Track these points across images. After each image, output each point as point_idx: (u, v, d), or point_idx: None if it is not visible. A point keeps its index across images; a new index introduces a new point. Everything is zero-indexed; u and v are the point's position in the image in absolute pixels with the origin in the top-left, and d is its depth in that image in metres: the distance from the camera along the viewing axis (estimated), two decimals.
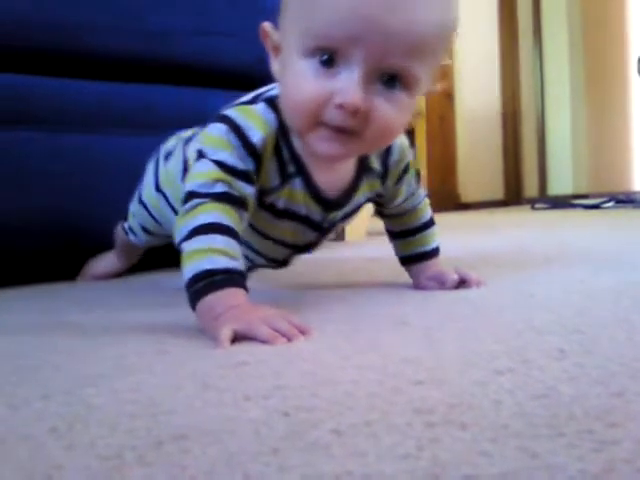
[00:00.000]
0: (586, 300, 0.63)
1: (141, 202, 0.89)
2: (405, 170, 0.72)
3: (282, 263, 0.77)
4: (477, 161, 3.54)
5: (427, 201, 0.79)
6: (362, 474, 0.26)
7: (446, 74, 3.29)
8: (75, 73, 1.08)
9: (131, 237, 0.95)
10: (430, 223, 0.79)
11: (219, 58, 1.21)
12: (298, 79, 0.56)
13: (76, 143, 1.05)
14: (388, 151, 0.70)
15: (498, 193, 3.66)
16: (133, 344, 0.54)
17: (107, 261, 1.05)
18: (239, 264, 0.57)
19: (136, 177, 1.10)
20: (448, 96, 3.41)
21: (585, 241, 1.33)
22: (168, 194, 0.82)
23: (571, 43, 3.54)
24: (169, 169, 0.81)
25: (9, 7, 1.01)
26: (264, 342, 0.50)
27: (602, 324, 0.52)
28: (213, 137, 0.62)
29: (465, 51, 3.46)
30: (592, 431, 0.29)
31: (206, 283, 0.55)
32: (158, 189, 0.84)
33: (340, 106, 0.54)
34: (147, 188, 0.87)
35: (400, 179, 0.72)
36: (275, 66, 0.62)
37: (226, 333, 0.50)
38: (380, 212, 0.79)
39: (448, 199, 3.34)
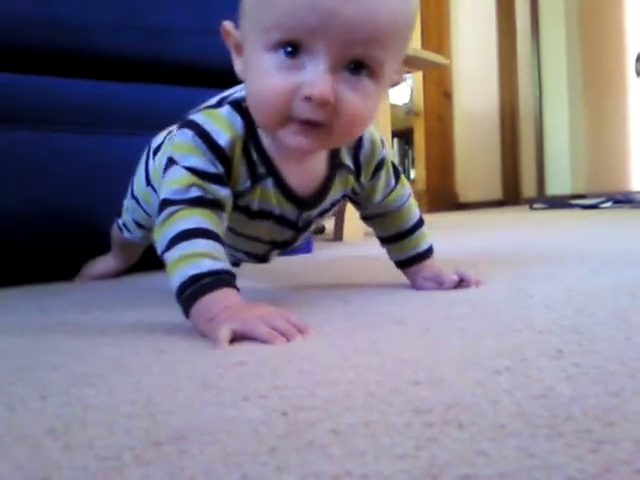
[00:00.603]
0: (585, 299, 0.63)
1: (133, 196, 0.89)
2: (379, 166, 0.71)
3: (262, 258, 0.77)
4: (475, 161, 3.54)
5: (414, 201, 0.78)
6: (360, 474, 0.26)
7: (444, 74, 3.30)
8: (74, 72, 1.08)
9: (126, 234, 0.95)
10: (419, 224, 0.77)
11: (219, 58, 1.21)
12: (263, 74, 0.55)
13: (74, 143, 1.05)
14: (358, 146, 0.69)
15: (496, 193, 3.67)
16: (131, 344, 0.53)
17: (105, 262, 1.05)
18: (225, 265, 0.57)
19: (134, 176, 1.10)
20: (447, 96, 3.41)
21: (583, 240, 1.33)
22: (156, 186, 0.82)
23: (569, 43, 3.54)
24: (157, 164, 0.81)
25: (7, 5, 1.01)
26: (263, 341, 0.50)
27: (601, 323, 0.52)
28: (181, 143, 0.62)
29: (463, 51, 3.47)
30: (590, 431, 0.29)
31: (195, 288, 0.54)
32: (149, 183, 0.84)
33: (308, 98, 0.53)
34: (138, 182, 0.87)
35: (375, 175, 0.71)
36: (238, 65, 0.61)
37: (224, 333, 0.50)
38: (364, 216, 0.78)
39: (446, 199, 3.34)
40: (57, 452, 0.30)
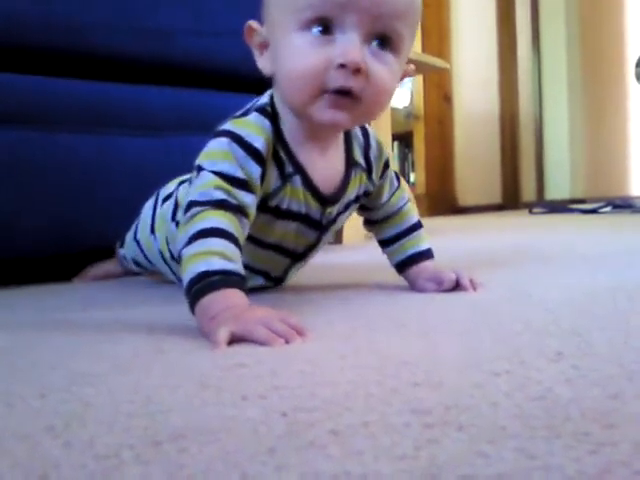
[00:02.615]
0: (584, 302, 0.63)
1: (136, 239, 0.89)
2: (387, 165, 0.77)
3: (279, 279, 0.78)
4: (475, 165, 3.54)
5: (412, 205, 0.82)
6: (359, 474, 0.26)
7: (445, 78, 3.30)
8: (71, 72, 1.08)
9: (124, 263, 0.97)
10: (418, 225, 0.81)
11: (218, 59, 1.22)
12: (296, 53, 0.60)
13: (72, 143, 1.05)
14: (367, 145, 0.74)
15: (496, 197, 3.67)
16: (131, 343, 0.53)
17: (109, 265, 1.05)
18: (237, 267, 0.57)
19: (133, 177, 1.10)
20: (447, 100, 3.42)
21: (583, 243, 1.33)
22: (158, 237, 0.83)
23: (569, 48, 3.55)
24: (163, 210, 0.83)
25: (5, 5, 1.01)
26: (261, 344, 0.50)
27: (600, 326, 0.52)
28: (213, 151, 0.64)
29: (464, 55, 3.47)
30: (589, 433, 0.29)
31: (203, 285, 0.55)
32: (152, 232, 0.85)
33: (342, 65, 0.58)
34: (143, 228, 0.88)
35: (383, 174, 0.76)
36: (262, 62, 0.66)
37: (223, 335, 0.50)
38: (368, 220, 0.82)
39: (446, 203, 3.34)
40: (56, 450, 0.30)
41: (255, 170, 0.64)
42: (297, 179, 0.68)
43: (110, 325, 0.63)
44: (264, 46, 0.65)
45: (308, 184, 0.68)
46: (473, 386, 0.37)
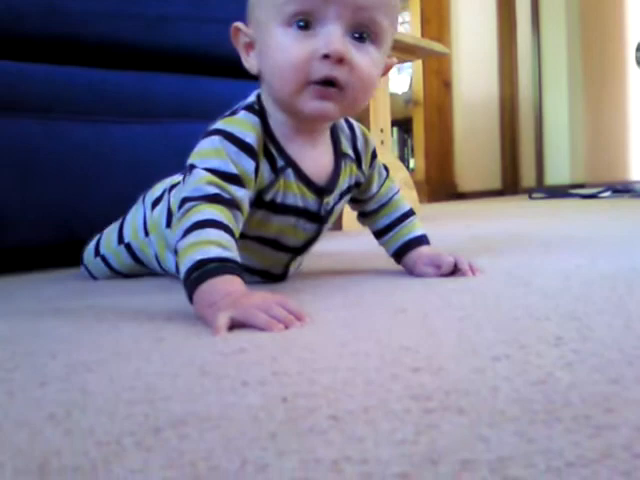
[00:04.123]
0: (584, 287, 0.63)
1: (124, 244, 0.87)
2: (374, 155, 0.78)
3: (280, 276, 0.78)
4: (474, 151, 3.53)
5: (402, 194, 0.83)
6: (360, 459, 0.26)
7: (444, 64, 3.28)
8: (72, 60, 1.07)
9: (93, 275, 0.93)
10: (410, 213, 0.81)
11: (216, 46, 1.21)
12: (280, 47, 0.62)
13: (70, 130, 1.05)
14: (354, 137, 0.76)
15: (495, 183, 3.67)
16: (131, 331, 0.54)
17: None
18: (233, 254, 0.57)
19: (132, 164, 1.10)
20: (446, 85, 3.40)
21: (582, 229, 1.33)
22: (152, 239, 0.83)
23: (569, 33, 3.53)
24: (155, 216, 0.82)
25: None
26: (261, 329, 0.50)
27: (599, 311, 0.52)
28: (205, 149, 0.65)
29: (463, 41, 3.45)
30: (589, 417, 0.29)
31: (200, 273, 0.55)
32: (147, 234, 0.84)
33: (326, 56, 0.60)
34: (133, 231, 0.86)
35: (372, 164, 0.78)
36: (248, 62, 0.68)
37: (222, 320, 0.50)
38: (361, 213, 0.82)
39: (445, 188, 3.34)
40: (57, 438, 0.30)
41: (249, 165, 0.65)
42: (289, 172, 0.69)
43: (110, 314, 0.63)
44: (250, 46, 0.67)
45: (301, 176, 0.69)
46: (473, 371, 0.37)
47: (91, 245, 0.93)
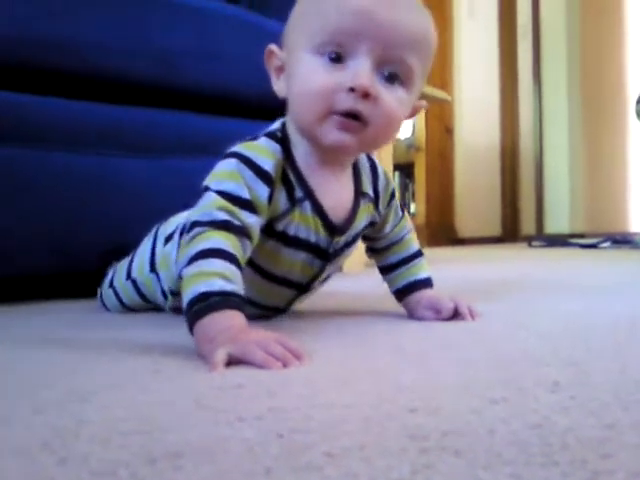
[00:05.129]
0: (581, 332, 0.63)
1: (130, 279, 0.87)
2: (392, 195, 0.78)
3: (282, 310, 0.78)
4: (475, 197, 3.56)
5: (414, 234, 0.83)
6: None
7: (446, 110, 3.34)
8: (75, 93, 1.09)
9: (104, 304, 0.93)
10: (418, 254, 0.82)
11: (222, 82, 1.23)
12: (308, 74, 0.62)
13: (71, 162, 1.05)
14: (375, 176, 0.76)
15: (495, 229, 3.68)
16: (128, 363, 0.53)
17: None
18: (237, 287, 0.57)
19: (131, 198, 1.11)
20: (448, 132, 3.45)
21: (582, 276, 1.34)
22: (162, 275, 0.82)
23: (570, 84, 3.60)
24: (166, 251, 0.81)
25: (16, 24, 1.02)
26: (259, 366, 0.50)
27: (597, 356, 0.52)
28: (221, 171, 0.64)
29: (466, 88, 3.52)
30: (586, 461, 0.29)
31: (202, 306, 0.55)
32: (153, 269, 0.83)
33: (352, 89, 0.60)
34: (140, 266, 0.86)
35: (389, 204, 0.78)
36: (277, 85, 0.68)
37: (220, 356, 0.50)
38: (371, 248, 0.82)
39: (445, 233, 3.36)
40: (52, 467, 0.30)
41: (263, 191, 0.64)
42: (307, 204, 0.68)
43: (107, 345, 0.63)
44: (281, 70, 0.67)
45: (318, 210, 0.69)
46: (470, 412, 0.37)
47: (109, 275, 0.92)
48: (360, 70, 0.60)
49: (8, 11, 1.01)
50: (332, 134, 0.62)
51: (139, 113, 1.15)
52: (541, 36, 3.65)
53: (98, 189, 1.08)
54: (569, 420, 0.35)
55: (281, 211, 0.67)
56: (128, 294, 0.88)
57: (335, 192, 0.70)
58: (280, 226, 0.68)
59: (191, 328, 0.55)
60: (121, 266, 0.91)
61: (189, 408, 0.39)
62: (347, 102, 0.60)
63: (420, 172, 3.41)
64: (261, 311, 0.76)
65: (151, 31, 1.15)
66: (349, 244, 0.74)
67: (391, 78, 0.63)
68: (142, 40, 1.13)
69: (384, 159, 1.94)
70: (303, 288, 0.75)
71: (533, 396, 0.40)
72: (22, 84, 1.04)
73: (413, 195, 3.68)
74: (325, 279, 0.78)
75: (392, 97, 0.62)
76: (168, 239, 0.82)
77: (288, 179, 0.67)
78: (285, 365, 0.50)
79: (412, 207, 3.68)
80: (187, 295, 0.56)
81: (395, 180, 3.66)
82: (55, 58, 1.05)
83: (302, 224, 0.68)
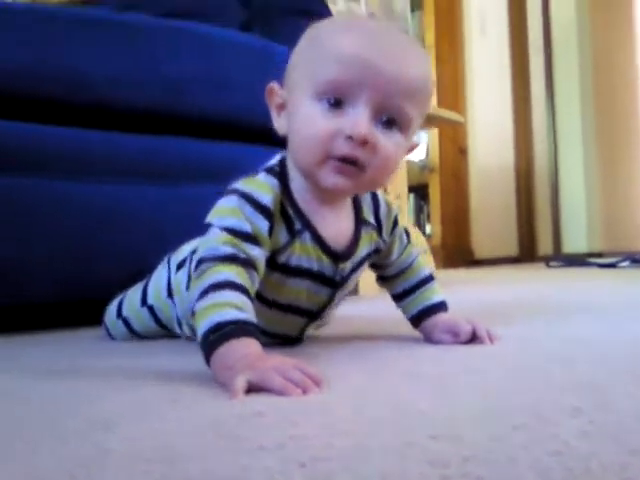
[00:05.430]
0: (602, 355, 0.63)
1: (147, 305, 0.88)
2: (396, 222, 0.78)
3: (295, 339, 0.78)
4: (491, 217, 3.55)
5: (423, 258, 0.83)
6: None
7: (460, 131, 3.35)
8: (87, 123, 1.11)
9: (109, 333, 0.94)
10: (429, 278, 0.81)
11: (231, 109, 1.24)
12: (309, 119, 0.63)
13: (84, 191, 1.07)
14: (377, 205, 0.76)
15: (512, 250, 3.66)
16: (148, 391, 0.54)
17: None
18: (250, 316, 0.58)
19: (143, 226, 1.12)
20: (462, 152, 3.46)
21: (601, 297, 1.32)
22: (176, 301, 0.84)
23: (583, 101, 3.59)
24: (179, 278, 0.83)
25: (27, 55, 1.05)
26: (278, 393, 0.50)
27: (618, 380, 0.51)
28: (223, 208, 0.66)
29: (479, 108, 3.53)
30: None
31: (217, 336, 0.55)
32: (170, 295, 0.85)
33: (350, 137, 0.61)
34: (156, 292, 0.87)
35: (392, 231, 0.78)
36: (278, 122, 0.69)
37: (240, 383, 0.50)
38: (381, 277, 0.83)
39: (461, 255, 3.34)
40: None
41: (263, 225, 0.66)
42: (306, 235, 0.69)
43: (127, 373, 0.64)
44: (282, 107, 0.69)
45: (318, 240, 0.70)
46: (491, 439, 0.37)
47: (113, 305, 0.94)
48: (359, 119, 0.61)
49: (19, 42, 1.04)
50: (330, 178, 0.64)
51: (146, 140, 1.16)
52: (553, 52, 3.66)
53: (110, 218, 1.09)
54: (590, 446, 0.35)
55: (282, 244, 0.68)
56: (143, 321, 0.89)
57: (334, 221, 0.71)
58: (282, 258, 0.69)
59: (208, 359, 0.56)
60: (131, 295, 0.92)
61: (209, 437, 0.39)
62: (345, 148, 0.62)
63: (434, 193, 3.41)
64: (273, 340, 0.76)
65: (159, 59, 1.16)
66: (354, 270, 0.75)
67: (389, 123, 0.64)
68: (150, 69, 1.15)
69: (398, 180, 1.95)
70: (314, 315, 0.75)
71: (554, 422, 0.40)
72: (42, 115, 1.06)
73: (428, 216, 3.68)
74: (336, 304, 0.78)
75: (390, 143, 0.64)
76: (180, 266, 0.84)
77: (286, 212, 0.69)
78: (304, 391, 0.50)
79: (427, 228, 3.68)
80: (201, 327, 0.57)
81: (409, 202, 3.67)
82: (65, 89, 1.08)
83: (303, 254, 0.69)
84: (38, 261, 1.03)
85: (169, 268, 0.87)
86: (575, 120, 3.59)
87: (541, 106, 3.70)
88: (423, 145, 3.54)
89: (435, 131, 3.30)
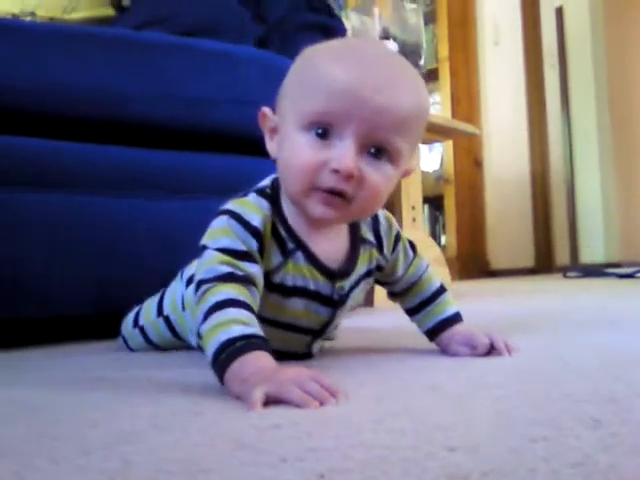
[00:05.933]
0: (621, 367, 0.62)
1: (163, 316, 0.90)
2: (397, 239, 0.78)
3: (304, 355, 0.78)
4: (507, 228, 3.54)
5: (433, 272, 0.82)
6: None
7: (475, 142, 3.35)
8: (110, 139, 1.13)
9: (126, 343, 0.96)
10: (441, 290, 0.81)
11: (251, 127, 1.26)
12: (296, 149, 0.63)
13: (104, 206, 1.09)
14: (376, 222, 0.76)
15: (528, 260, 3.64)
16: (167, 403, 0.54)
17: None
18: (257, 330, 0.58)
19: (166, 240, 1.13)
20: (477, 164, 3.45)
21: (620, 308, 1.31)
22: (188, 315, 0.85)
23: (599, 110, 3.57)
24: (188, 292, 0.84)
25: (53, 75, 1.07)
26: (295, 405, 0.50)
27: (638, 391, 0.51)
28: (215, 229, 0.67)
29: (494, 119, 3.53)
30: None
31: (228, 353, 0.56)
32: (184, 308, 0.86)
33: (336, 171, 0.61)
34: (172, 304, 0.88)
35: (395, 248, 0.77)
36: (270, 146, 0.70)
37: (257, 395, 0.51)
38: (391, 292, 0.83)
39: (477, 266, 3.33)
40: None
41: (253, 245, 0.66)
42: (299, 255, 0.69)
43: (147, 386, 0.65)
44: (274, 131, 0.69)
45: (311, 259, 0.69)
46: (510, 452, 0.37)
47: (130, 316, 0.95)
48: (345, 152, 0.61)
49: (38, 61, 1.07)
50: (318, 208, 0.63)
51: (168, 156, 1.18)
52: (567, 62, 3.65)
53: (130, 231, 1.12)
54: (611, 458, 0.35)
55: (275, 265, 0.68)
56: (159, 332, 0.90)
57: (327, 240, 0.71)
58: (277, 279, 0.69)
59: (221, 377, 0.56)
60: (148, 306, 0.93)
61: (230, 449, 0.40)
62: (331, 181, 0.61)
63: (450, 204, 3.41)
64: (280, 357, 0.76)
65: (182, 78, 1.19)
66: (354, 288, 0.74)
67: (378, 153, 0.63)
68: (173, 87, 1.18)
69: (413, 192, 1.95)
70: (317, 333, 0.75)
71: (573, 434, 0.40)
72: (61, 132, 1.08)
73: (443, 227, 3.67)
74: (339, 322, 0.78)
75: (377, 174, 0.63)
76: (190, 281, 0.84)
77: (279, 233, 0.69)
78: (322, 403, 0.50)
79: (442, 239, 3.67)
80: (210, 348, 0.57)
81: (425, 213, 3.66)
82: (97, 108, 1.11)
83: (298, 274, 0.69)
84: (47, 274, 1.05)
85: (182, 282, 0.88)
86: (591, 130, 3.57)
87: (556, 117, 3.68)
88: (438, 156, 3.54)
89: (450, 143, 3.30)
